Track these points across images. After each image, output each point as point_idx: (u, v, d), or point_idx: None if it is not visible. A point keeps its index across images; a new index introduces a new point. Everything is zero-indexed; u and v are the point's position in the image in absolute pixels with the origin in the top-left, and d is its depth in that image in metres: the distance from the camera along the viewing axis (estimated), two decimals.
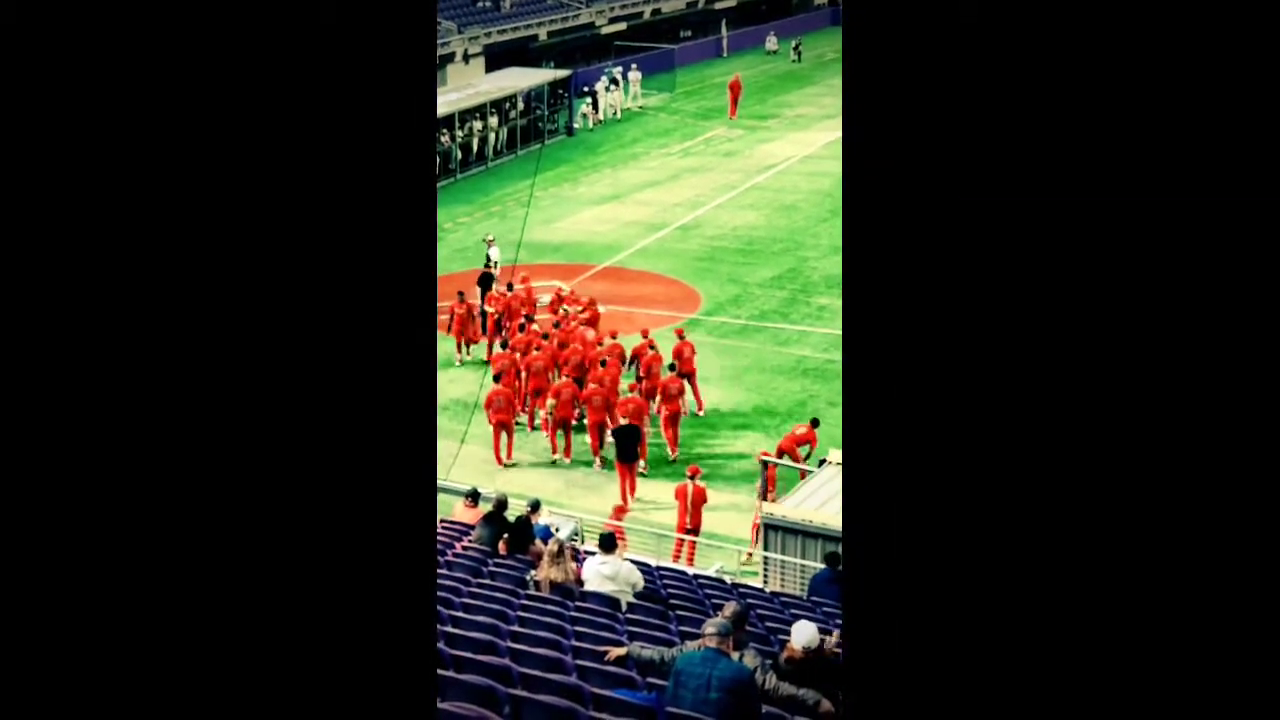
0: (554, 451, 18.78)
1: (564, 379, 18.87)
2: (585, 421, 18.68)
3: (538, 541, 12.29)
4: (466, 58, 42.64)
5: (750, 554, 15.80)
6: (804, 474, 16.16)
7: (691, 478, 16.13)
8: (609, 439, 18.27)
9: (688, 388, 19.42)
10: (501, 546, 12.41)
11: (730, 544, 15.94)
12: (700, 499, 15.98)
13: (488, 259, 24.53)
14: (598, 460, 18.55)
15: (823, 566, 13.42)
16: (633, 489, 17.78)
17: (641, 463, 18.09)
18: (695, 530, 15.95)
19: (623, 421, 18.04)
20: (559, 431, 18.69)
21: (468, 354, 22.11)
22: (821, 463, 16.18)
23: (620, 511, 15.88)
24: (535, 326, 20.63)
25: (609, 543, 11.21)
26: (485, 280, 23.15)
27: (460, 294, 21.84)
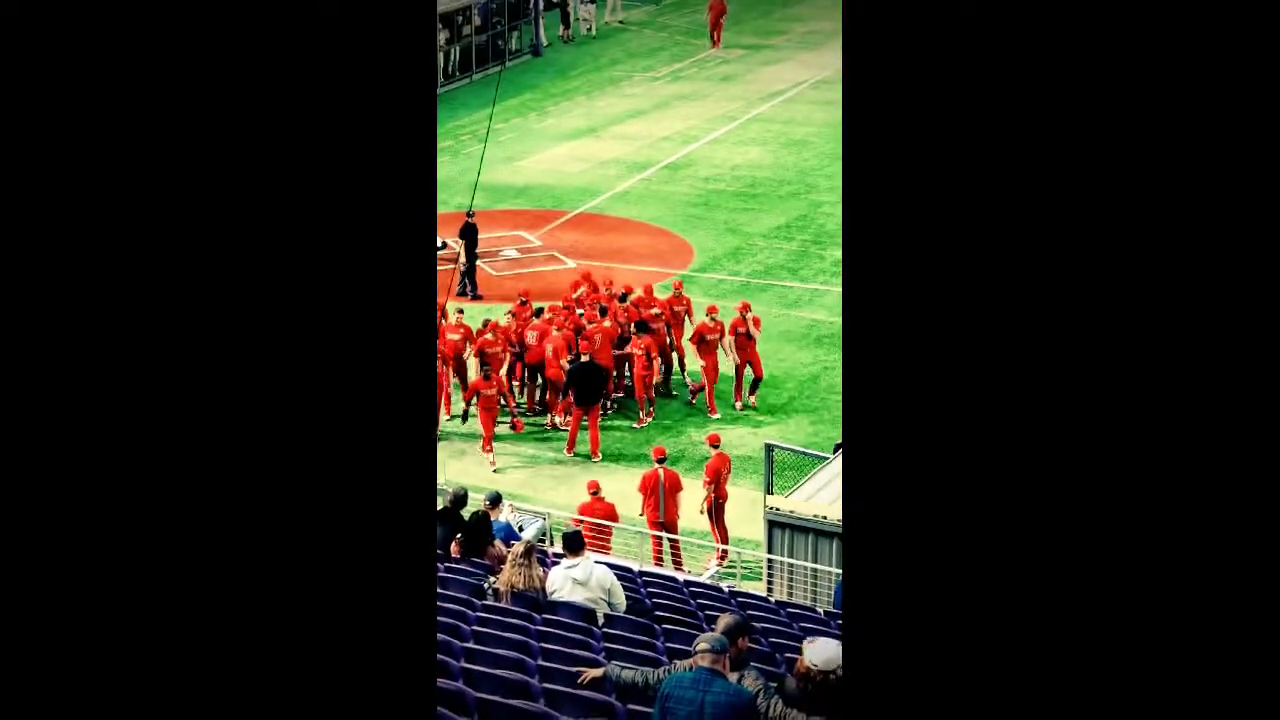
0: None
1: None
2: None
3: (497, 542, 12.30)
4: None
5: (723, 551, 15.93)
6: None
7: (659, 462, 16.03)
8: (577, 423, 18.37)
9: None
10: (454, 548, 12.42)
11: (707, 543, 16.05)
12: (674, 487, 15.90)
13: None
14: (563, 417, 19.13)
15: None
16: (594, 444, 18.33)
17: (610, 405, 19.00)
18: (671, 526, 15.95)
19: (584, 358, 18.43)
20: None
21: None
22: (837, 448, 16.22)
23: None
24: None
25: (575, 542, 11.17)
26: (468, 232, 22.86)
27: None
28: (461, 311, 20.01)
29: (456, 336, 19.36)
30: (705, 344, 19.29)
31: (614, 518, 15.52)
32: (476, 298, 22.82)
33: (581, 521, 15.32)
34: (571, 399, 18.63)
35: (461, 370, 19.53)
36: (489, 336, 19.15)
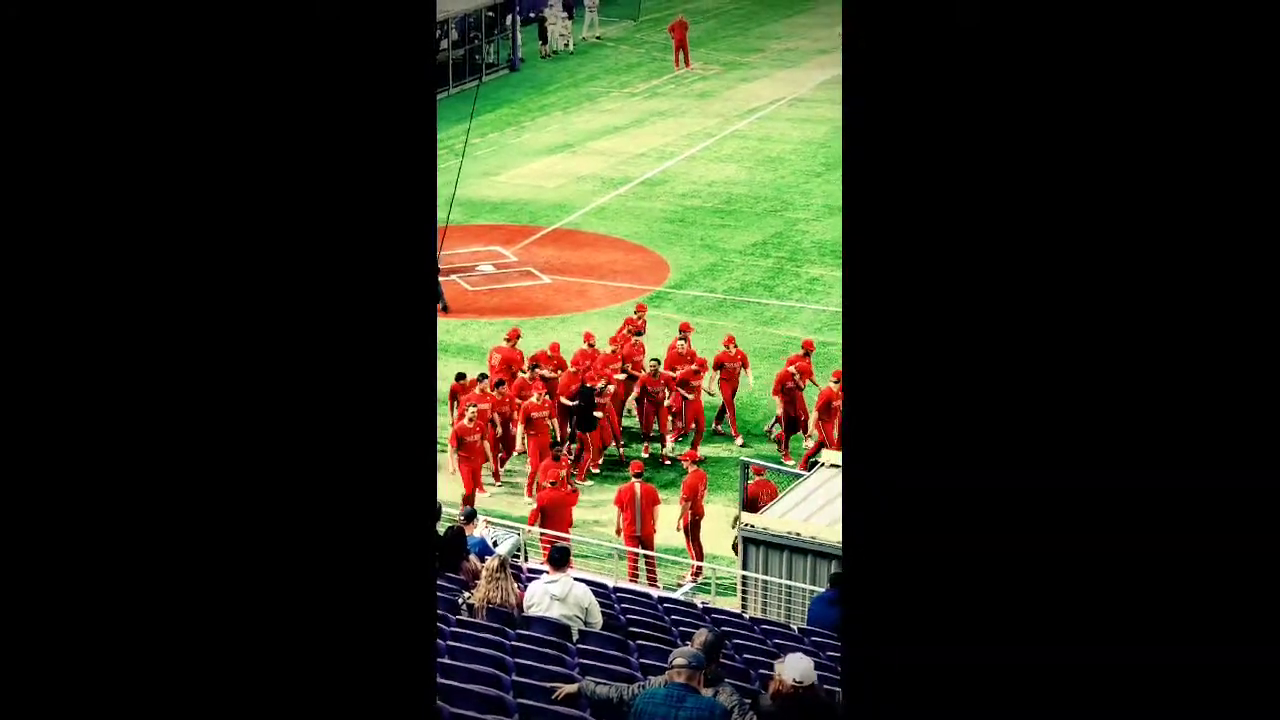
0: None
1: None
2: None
3: (472, 557, 12.30)
4: None
5: (698, 567, 15.97)
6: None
7: (636, 476, 16.26)
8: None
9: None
10: None
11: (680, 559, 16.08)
12: (650, 501, 16.09)
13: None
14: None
15: (819, 590, 13.51)
16: (582, 468, 18.13)
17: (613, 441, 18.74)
18: (647, 540, 16.04)
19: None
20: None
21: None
22: (813, 465, 16.26)
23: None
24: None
25: (560, 558, 11.21)
26: None
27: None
28: (484, 377, 18.55)
29: (487, 406, 17.80)
30: (785, 392, 18.79)
31: (573, 500, 16.28)
32: (443, 310, 22.76)
33: (540, 509, 15.83)
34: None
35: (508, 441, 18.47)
36: (534, 399, 17.92)
